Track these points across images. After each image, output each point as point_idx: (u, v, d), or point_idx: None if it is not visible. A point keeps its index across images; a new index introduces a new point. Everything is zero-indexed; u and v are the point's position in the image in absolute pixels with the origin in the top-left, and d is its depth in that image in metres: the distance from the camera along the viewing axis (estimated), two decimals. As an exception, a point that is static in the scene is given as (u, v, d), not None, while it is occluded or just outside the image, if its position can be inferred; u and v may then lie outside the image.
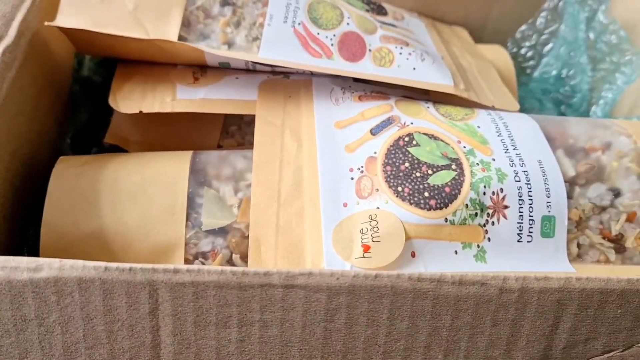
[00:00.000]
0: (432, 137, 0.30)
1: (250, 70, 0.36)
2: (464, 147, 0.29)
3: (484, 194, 0.27)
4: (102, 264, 0.23)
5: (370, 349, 0.24)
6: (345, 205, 0.28)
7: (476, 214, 0.27)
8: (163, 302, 0.23)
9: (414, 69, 0.34)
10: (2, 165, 0.29)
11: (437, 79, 0.34)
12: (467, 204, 0.27)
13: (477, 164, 0.28)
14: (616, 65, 0.41)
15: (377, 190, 0.28)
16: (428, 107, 0.32)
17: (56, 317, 0.23)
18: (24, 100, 0.31)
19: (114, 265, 0.23)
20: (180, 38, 0.33)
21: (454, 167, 0.28)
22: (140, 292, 0.23)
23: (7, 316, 0.23)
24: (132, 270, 0.23)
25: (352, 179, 0.29)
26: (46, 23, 0.32)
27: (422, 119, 0.31)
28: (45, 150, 0.33)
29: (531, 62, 0.42)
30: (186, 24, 0.34)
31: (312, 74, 0.35)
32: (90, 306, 0.23)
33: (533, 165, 0.28)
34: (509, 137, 0.29)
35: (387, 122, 0.31)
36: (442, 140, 0.29)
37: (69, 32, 0.34)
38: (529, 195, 0.27)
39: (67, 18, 0.32)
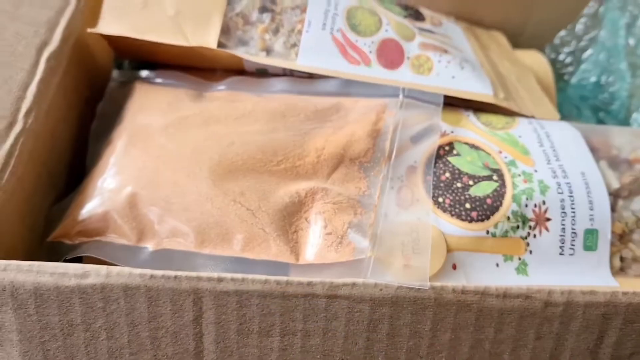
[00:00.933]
0: (473, 146, 0.29)
1: (288, 76, 0.36)
2: (505, 157, 0.29)
3: (526, 206, 0.27)
4: (148, 271, 0.23)
5: (411, 360, 0.24)
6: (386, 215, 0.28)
7: (518, 227, 0.27)
8: (207, 309, 0.24)
9: (453, 77, 0.34)
10: (46, 170, 0.30)
11: (477, 88, 0.33)
12: (508, 217, 0.27)
13: (519, 175, 0.28)
14: (656, 72, 0.40)
15: (418, 200, 0.28)
16: (468, 116, 0.32)
17: (102, 323, 0.24)
18: (67, 106, 0.32)
19: (159, 273, 0.23)
20: (220, 45, 0.33)
21: (495, 178, 0.28)
22: (184, 299, 0.23)
23: (55, 321, 0.24)
24: (177, 278, 0.23)
25: (392, 188, 0.29)
26: (89, 30, 0.33)
27: (463, 127, 0.31)
28: (97, 149, 0.34)
29: (569, 69, 0.42)
30: (225, 30, 0.34)
31: None
32: (136, 313, 0.23)
33: (576, 177, 0.28)
34: (551, 147, 0.29)
35: (427, 130, 0.31)
36: (483, 150, 0.29)
37: (110, 39, 0.34)
38: (572, 208, 0.27)
39: (109, 25, 0.33)
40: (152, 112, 0.31)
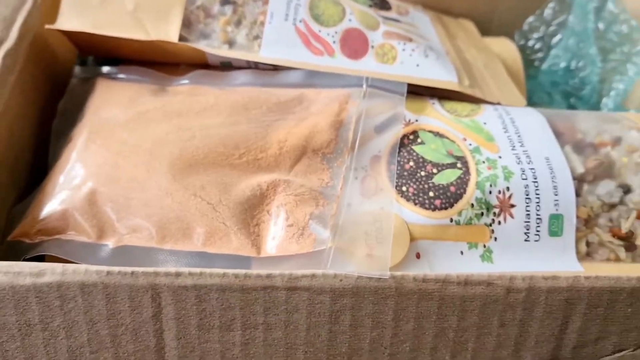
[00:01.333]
0: (437, 134, 0.29)
1: (252, 68, 0.35)
2: (470, 144, 0.29)
3: (490, 192, 0.27)
4: (105, 268, 0.23)
5: (376, 350, 0.24)
6: (349, 205, 0.27)
7: (482, 214, 0.27)
8: (166, 305, 0.23)
9: (418, 65, 0.33)
10: (6, 170, 0.29)
11: (441, 76, 0.33)
12: (472, 204, 0.27)
13: (483, 162, 0.28)
14: (627, 56, 0.40)
15: (382, 190, 0.28)
16: (433, 104, 0.31)
17: (60, 322, 0.23)
18: (26, 104, 0.31)
19: (116, 269, 0.23)
20: (181, 38, 0.33)
21: (459, 165, 0.28)
22: (142, 295, 0.23)
23: (12, 321, 0.23)
24: (134, 274, 0.23)
25: (356, 178, 0.28)
26: (47, 26, 0.32)
27: (427, 115, 0.30)
28: (58, 146, 0.33)
29: (539, 55, 0.42)
30: (187, 23, 0.33)
31: None
32: (94, 310, 0.23)
33: (540, 162, 0.28)
34: (516, 133, 0.29)
35: (391, 120, 0.30)
36: (447, 138, 0.29)
37: (70, 35, 0.33)
38: (536, 194, 0.27)
39: (68, 20, 0.32)
40: (113, 108, 0.31)
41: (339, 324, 0.24)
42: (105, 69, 0.34)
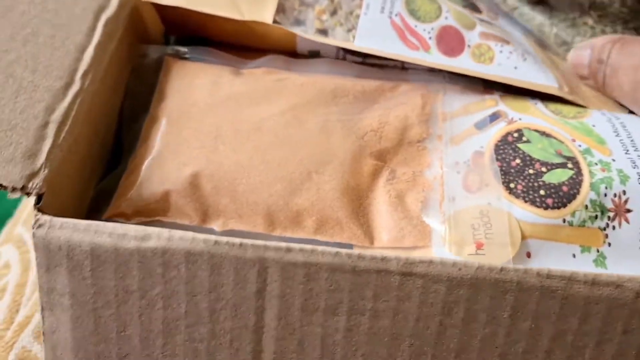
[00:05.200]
0: (543, 134, 0.28)
1: (340, 60, 0.35)
2: (580, 145, 0.28)
3: (605, 195, 0.26)
4: (213, 237, 0.22)
5: (486, 349, 0.23)
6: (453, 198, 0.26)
7: (596, 217, 0.25)
8: (272, 282, 0.22)
9: (516, 67, 0.32)
10: (99, 138, 0.28)
11: (541, 80, 0.32)
12: (586, 205, 0.25)
13: (596, 164, 0.27)
14: None
15: (487, 185, 0.27)
16: (536, 104, 0.30)
17: (160, 290, 0.22)
18: (120, 76, 0.31)
19: (224, 239, 0.22)
20: (275, 22, 0.32)
21: (570, 165, 0.27)
22: (249, 269, 0.22)
23: (110, 286, 0.22)
24: (243, 246, 0.22)
25: (458, 172, 0.27)
26: (142, -1, 0.32)
27: (531, 115, 0.29)
28: (137, 128, 0.33)
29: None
30: (281, 9, 0.33)
31: (403, 67, 0.34)
32: (196, 281, 0.22)
33: (657, 168, 0.26)
34: (629, 137, 0.28)
35: (493, 117, 0.29)
36: (554, 138, 0.28)
37: (162, 9, 0.33)
38: (654, 200, 0.26)
39: (163, -6, 0.32)
40: (197, 91, 0.30)
41: (451, 316, 0.22)
42: (174, 49, 0.33)
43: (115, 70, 0.30)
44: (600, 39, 0.32)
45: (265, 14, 0.32)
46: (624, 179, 0.26)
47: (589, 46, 0.33)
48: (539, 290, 0.22)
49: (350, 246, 0.25)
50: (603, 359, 0.23)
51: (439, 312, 0.22)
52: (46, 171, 0.23)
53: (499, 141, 0.28)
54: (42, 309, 0.23)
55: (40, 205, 0.22)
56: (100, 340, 0.23)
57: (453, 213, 0.26)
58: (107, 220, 0.26)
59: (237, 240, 0.22)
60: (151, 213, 0.26)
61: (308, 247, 0.22)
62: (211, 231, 0.25)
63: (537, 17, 0.37)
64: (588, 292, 0.22)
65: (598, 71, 0.32)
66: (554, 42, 0.37)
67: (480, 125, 0.29)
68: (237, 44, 0.34)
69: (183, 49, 0.33)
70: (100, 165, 0.29)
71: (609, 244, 0.25)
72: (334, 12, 0.34)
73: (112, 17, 0.29)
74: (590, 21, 0.36)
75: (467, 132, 0.29)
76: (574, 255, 0.25)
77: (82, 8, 0.29)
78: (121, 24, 0.30)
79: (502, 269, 0.22)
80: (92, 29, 0.29)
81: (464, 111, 0.30)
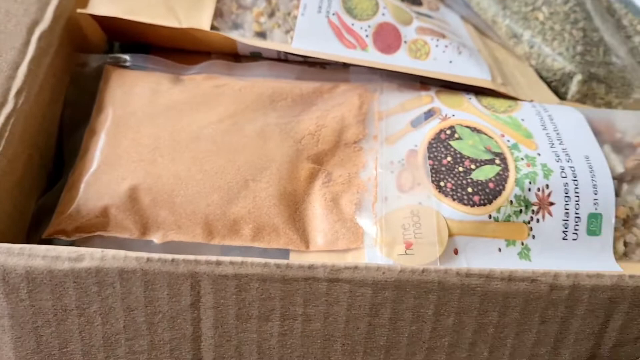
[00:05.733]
0: (474, 130, 0.29)
1: (282, 60, 0.35)
2: (508, 140, 0.28)
3: (529, 190, 0.27)
4: (145, 254, 0.22)
5: (414, 345, 0.24)
6: (385, 199, 0.27)
7: (521, 211, 0.27)
8: (205, 294, 0.23)
9: (451, 62, 0.33)
10: (38, 153, 0.29)
11: (475, 73, 0.33)
12: (511, 201, 0.26)
13: (522, 159, 0.28)
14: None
15: (419, 184, 0.27)
16: (470, 99, 0.31)
17: (97, 308, 0.23)
18: (58, 88, 0.31)
19: (156, 256, 0.23)
20: (213, 28, 0.32)
21: (497, 161, 0.28)
22: (182, 283, 0.23)
23: (48, 306, 0.23)
24: (175, 262, 0.23)
25: (392, 172, 0.28)
26: (78, 10, 0.32)
27: (464, 111, 0.30)
28: (78, 137, 0.33)
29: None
30: (219, 14, 0.33)
31: (345, 65, 0.34)
32: (132, 297, 0.23)
33: (580, 160, 0.27)
34: (555, 130, 0.29)
35: (428, 114, 0.30)
36: (485, 134, 0.29)
37: (100, 20, 0.33)
38: (576, 192, 0.27)
39: (100, 5, 0.32)
40: (136, 99, 0.30)
41: (379, 317, 0.23)
42: (115, 57, 0.33)
43: (53, 83, 0.30)
44: None
45: (202, 21, 0.32)
46: (547, 173, 0.27)
47: None
48: (459, 288, 0.23)
49: (287, 251, 0.26)
50: (524, 348, 0.24)
51: (367, 314, 0.23)
52: (-21, 196, 0.23)
53: (432, 139, 0.29)
54: (-16, 331, 0.23)
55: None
56: (43, 358, 0.23)
57: (385, 214, 0.26)
58: (48, 237, 0.26)
59: (169, 256, 0.23)
60: (91, 228, 0.26)
61: (238, 259, 0.23)
62: (151, 244, 0.26)
63: (492, 7, 0.38)
64: (505, 288, 0.23)
65: None
66: (505, 33, 0.37)
67: (415, 123, 0.30)
68: (178, 49, 0.35)
69: (124, 57, 0.33)
70: (41, 180, 0.29)
71: (533, 237, 0.26)
72: (271, 14, 0.34)
73: (46, 31, 0.29)
74: (541, 16, 0.36)
75: (403, 131, 0.30)
76: (499, 250, 0.26)
77: (15, 24, 0.29)
78: (56, 37, 0.30)
79: (423, 271, 0.23)
80: (26, 44, 0.29)
81: (400, 109, 0.31)
